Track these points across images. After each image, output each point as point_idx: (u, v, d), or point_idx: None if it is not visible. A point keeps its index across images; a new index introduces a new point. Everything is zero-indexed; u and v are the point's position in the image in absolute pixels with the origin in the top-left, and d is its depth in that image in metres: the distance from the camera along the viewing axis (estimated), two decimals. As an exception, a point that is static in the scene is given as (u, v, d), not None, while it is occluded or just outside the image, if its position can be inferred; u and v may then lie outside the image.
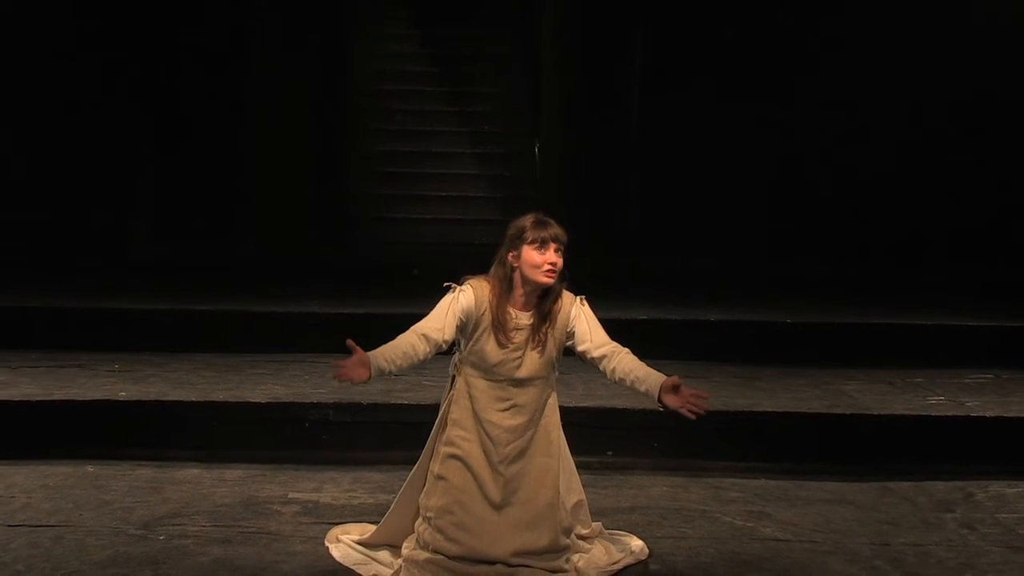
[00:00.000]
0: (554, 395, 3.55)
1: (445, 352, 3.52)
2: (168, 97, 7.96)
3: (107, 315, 6.02)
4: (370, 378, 3.25)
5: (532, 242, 3.38)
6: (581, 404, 4.66)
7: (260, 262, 7.69)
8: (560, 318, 3.46)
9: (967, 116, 8.02)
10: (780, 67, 8.00)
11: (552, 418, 3.53)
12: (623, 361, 3.41)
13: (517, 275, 3.42)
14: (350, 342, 3.27)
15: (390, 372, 3.33)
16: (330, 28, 8.62)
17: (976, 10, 8.01)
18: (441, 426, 3.51)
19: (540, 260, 3.37)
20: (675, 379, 3.29)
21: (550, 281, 3.38)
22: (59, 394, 4.91)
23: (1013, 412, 5.05)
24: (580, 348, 3.48)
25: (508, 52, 10.21)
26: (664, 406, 3.30)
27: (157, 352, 5.74)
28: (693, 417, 3.26)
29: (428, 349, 3.39)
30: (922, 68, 7.92)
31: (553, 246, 3.38)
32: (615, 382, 3.43)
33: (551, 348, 3.46)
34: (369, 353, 3.27)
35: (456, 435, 3.46)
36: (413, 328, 3.40)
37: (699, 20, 8.06)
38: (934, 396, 5.34)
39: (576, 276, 3.53)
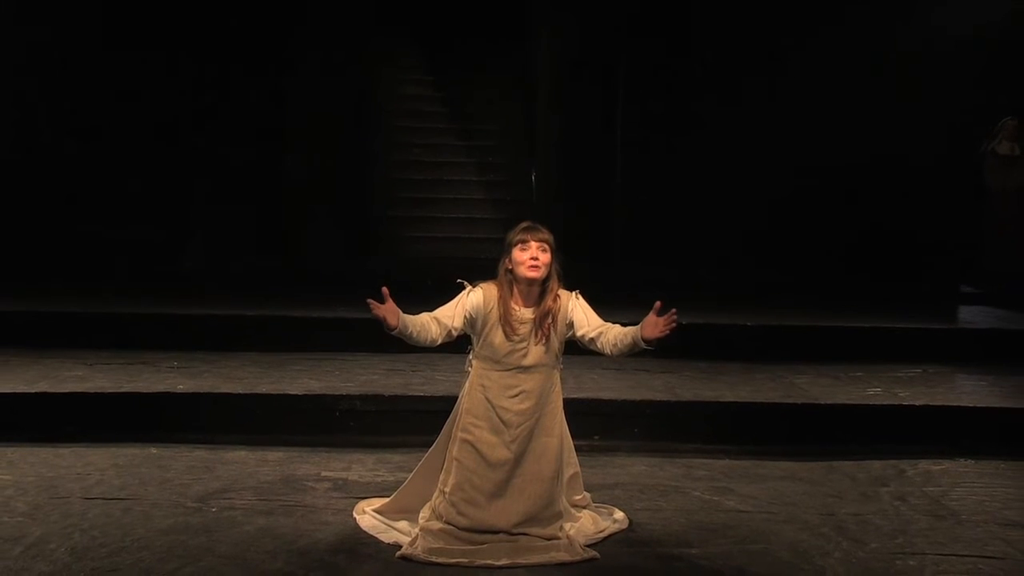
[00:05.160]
0: (558, 382, 3.57)
1: (457, 350, 3.55)
2: (218, 133, 7.99)
3: (168, 320, 6.03)
4: (395, 327, 3.33)
5: (516, 244, 3.44)
6: (572, 396, 4.63)
7: (297, 274, 7.70)
8: (560, 312, 3.49)
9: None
10: (745, 104, 8.04)
11: (556, 403, 3.55)
12: (611, 332, 3.45)
13: (513, 276, 3.46)
14: (385, 290, 3.34)
15: (409, 334, 3.39)
16: (357, 73, 8.65)
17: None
18: (456, 415, 3.54)
19: (523, 257, 3.42)
20: (648, 317, 3.32)
21: (533, 274, 3.41)
22: (127, 387, 4.93)
23: (938, 401, 5.08)
24: (579, 333, 3.50)
25: (509, 93, 10.23)
26: (650, 342, 3.33)
27: (210, 351, 5.74)
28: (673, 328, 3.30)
29: (439, 330, 3.45)
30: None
31: (534, 244, 3.42)
32: (610, 352, 3.45)
33: (554, 338, 3.49)
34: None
35: (469, 422, 3.48)
36: (428, 312, 3.48)
37: (678, 64, 8.09)
38: (872, 388, 5.35)
39: (567, 283, 3.56)
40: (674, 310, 3.30)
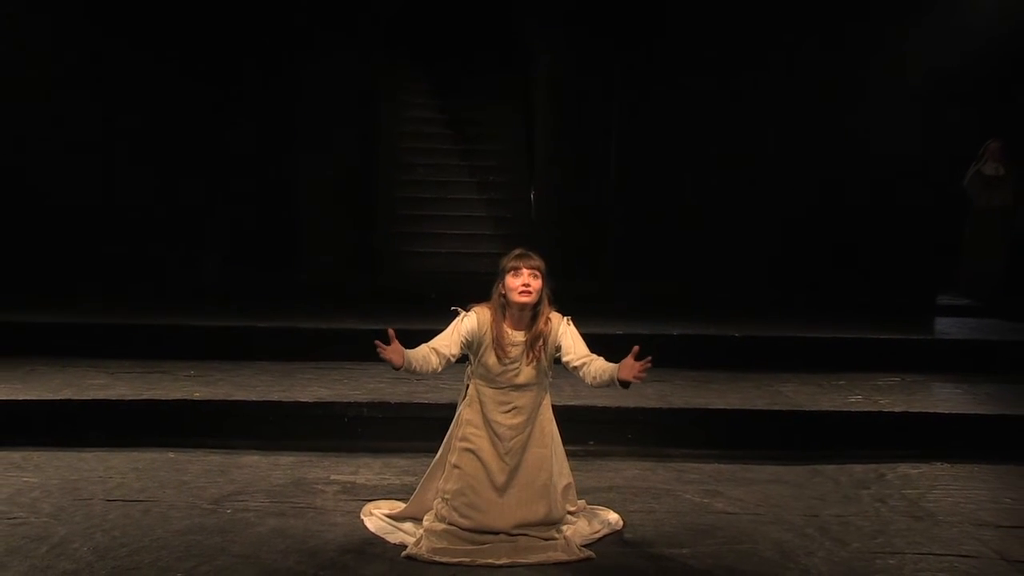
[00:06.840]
0: (548, 396, 3.60)
1: (459, 362, 3.57)
2: (234, 158, 8.04)
3: (185, 331, 6.04)
4: (400, 366, 3.33)
5: (509, 271, 3.46)
6: (569, 403, 4.68)
7: (306, 287, 7.71)
8: (551, 335, 3.51)
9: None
10: (731, 130, 8.05)
11: (546, 415, 3.58)
12: (594, 365, 3.46)
13: (506, 301, 3.48)
14: (391, 331, 3.34)
15: (414, 369, 3.39)
16: (364, 98, 8.70)
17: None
18: (456, 425, 3.56)
19: (515, 284, 3.44)
20: (625, 360, 3.33)
21: (525, 299, 3.43)
22: (147, 394, 4.95)
23: (916, 408, 5.09)
24: (564, 359, 3.53)
25: (509, 116, 10.26)
26: (625, 383, 3.34)
27: (225, 360, 5.76)
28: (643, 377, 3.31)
29: (439, 360, 3.46)
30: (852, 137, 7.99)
31: (526, 271, 3.43)
32: (590, 383, 3.47)
33: (543, 359, 3.51)
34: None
35: (469, 432, 3.51)
36: (427, 343, 3.49)
37: (670, 93, 8.11)
38: (853, 395, 5.37)
39: (564, 298, 3.59)
40: (649, 358, 3.31)
